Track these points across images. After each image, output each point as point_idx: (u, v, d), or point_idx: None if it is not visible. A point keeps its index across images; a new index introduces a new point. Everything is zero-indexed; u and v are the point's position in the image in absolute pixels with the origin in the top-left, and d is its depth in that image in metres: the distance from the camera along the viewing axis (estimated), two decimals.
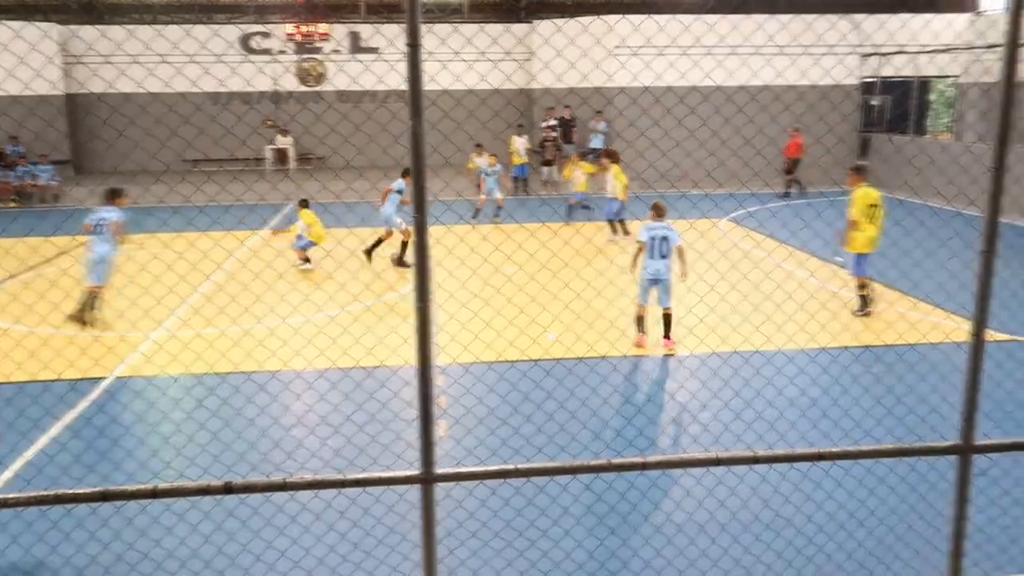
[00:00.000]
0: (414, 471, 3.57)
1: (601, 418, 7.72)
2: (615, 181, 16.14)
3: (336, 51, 27.21)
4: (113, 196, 11.32)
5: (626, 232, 16.55)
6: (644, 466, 3.71)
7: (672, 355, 9.97)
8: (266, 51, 27.01)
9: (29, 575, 5.59)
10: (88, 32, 25.49)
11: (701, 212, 18.55)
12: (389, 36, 26.34)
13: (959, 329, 10.58)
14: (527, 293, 10.12)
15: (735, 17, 24.74)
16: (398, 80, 3.30)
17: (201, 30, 26.20)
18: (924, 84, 27.33)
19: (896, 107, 26.97)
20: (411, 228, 3.29)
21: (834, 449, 3.86)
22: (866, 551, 5.74)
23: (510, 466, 3.68)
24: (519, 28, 27.49)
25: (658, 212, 10.32)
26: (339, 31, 27.25)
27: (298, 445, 7.23)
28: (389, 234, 14.23)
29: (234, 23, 26.67)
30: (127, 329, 10.72)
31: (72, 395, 8.54)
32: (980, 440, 3.78)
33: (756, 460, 3.81)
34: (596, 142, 24.89)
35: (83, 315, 10.84)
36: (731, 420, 7.73)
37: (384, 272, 13.32)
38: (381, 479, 3.69)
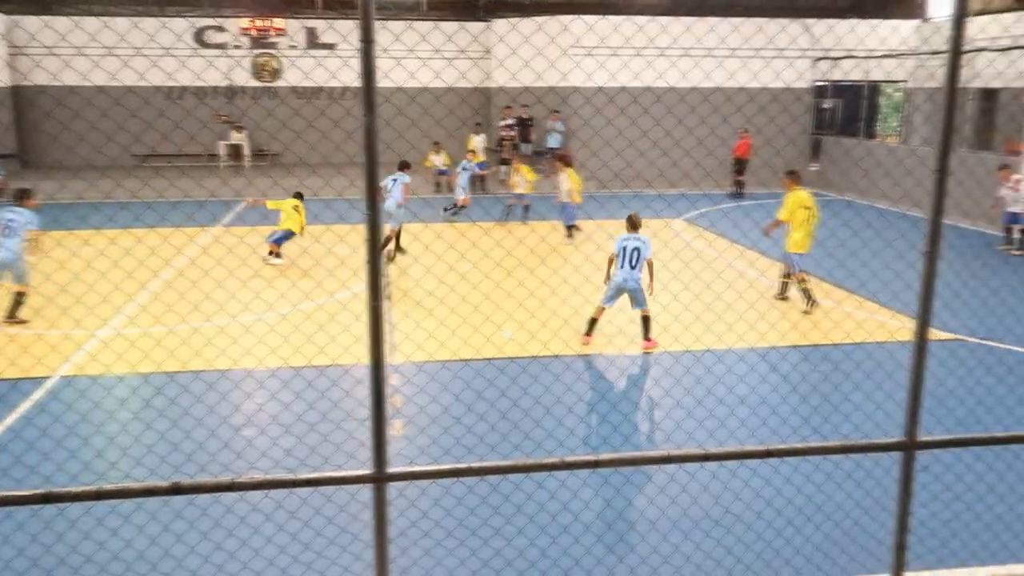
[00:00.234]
0: (366, 470, 3.54)
1: (554, 416, 7.74)
2: (569, 184, 16.18)
3: (292, 47, 26.89)
4: (22, 196, 11.01)
5: (578, 229, 16.65)
6: (597, 464, 3.73)
7: (651, 353, 10.07)
8: (220, 45, 26.58)
9: None
10: (32, 22, 24.82)
11: (654, 212, 18.73)
12: (343, 32, 26.10)
13: (904, 328, 10.84)
14: (481, 291, 10.11)
15: (688, 19, 25.02)
16: (356, 76, 3.28)
17: (155, 23, 25.68)
18: (874, 88, 27.97)
19: (847, 110, 27.58)
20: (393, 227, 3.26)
21: (783, 446, 3.92)
22: (813, 546, 5.85)
23: (463, 465, 3.67)
24: (476, 26, 27.46)
25: (632, 224, 10.39)
26: (296, 26, 26.93)
27: (248, 445, 7.12)
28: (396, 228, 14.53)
29: (185, 16, 26.18)
30: (72, 327, 10.47)
31: (13, 395, 8.31)
32: (923, 437, 3.87)
33: (707, 457, 3.85)
34: (553, 141, 24.98)
35: (15, 314, 10.62)
36: (683, 418, 7.82)
37: (336, 270, 13.20)
38: (333, 479, 3.65)
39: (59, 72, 23.35)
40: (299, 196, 14.13)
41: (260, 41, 26.90)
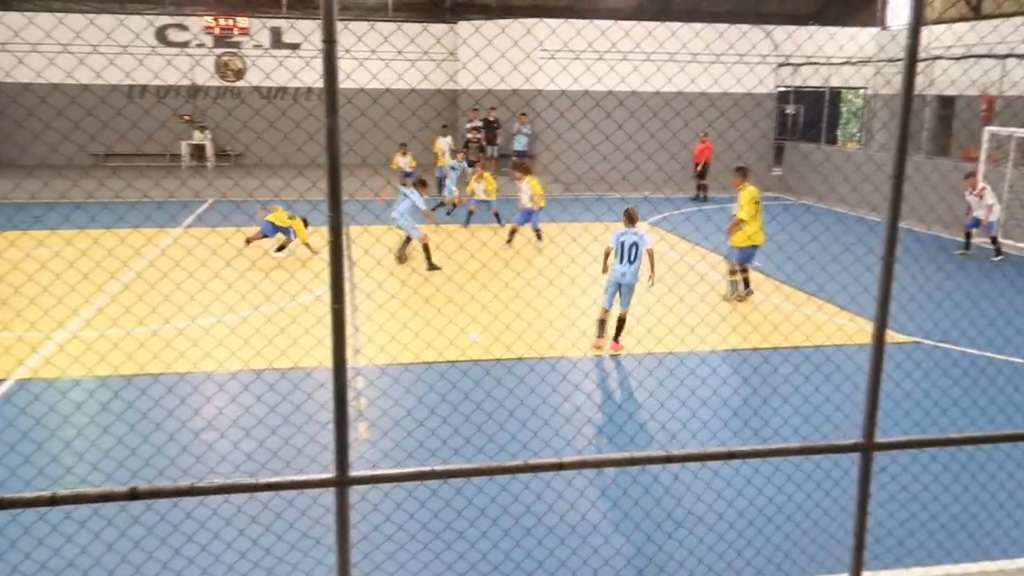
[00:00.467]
0: (328, 474, 3.50)
1: (518, 419, 7.74)
2: (531, 191, 16.18)
3: (257, 46, 26.60)
4: None
5: (540, 238, 16.64)
6: (560, 466, 3.73)
7: (618, 355, 10.12)
8: (183, 44, 26.20)
9: None
10: None
11: (617, 215, 18.85)
12: (305, 32, 25.89)
13: (862, 331, 11.02)
14: (445, 294, 10.08)
15: (651, 23, 25.21)
16: (319, 77, 3.26)
17: (114, 20, 25.23)
18: (835, 95, 28.43)
19: (808, 116, 28.00)
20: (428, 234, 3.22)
21: (744, 448, 3.96)
22: (774, 546, 5.91)
23: (427, 468, 3.65)
24: (439, 28, 27.41)
25: (630, 218, 10.36)
26: (260, 26, 26.65)
27: (208, 449, 7.02)
28: (424, 240, 14.36)
29: (145, 14, 25.77)
30: (26, 329, 10.24)
31: None
32: (881, 438, 3.93)
33: (670, 459, 3.87)
34: (519, 144, 25.02)
35: None
36: (646, 420, 7.86)
37: (298, 272, 13.08)
38: (294, 483, 3.61)
39: (12, 69, 22.85)
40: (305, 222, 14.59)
41: (223, 40, 26.58)
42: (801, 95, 27.71)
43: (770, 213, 19.25)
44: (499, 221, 18.39)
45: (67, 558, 5.45)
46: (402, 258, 14.72)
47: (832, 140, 28.74)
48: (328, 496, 3.73)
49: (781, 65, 26.75)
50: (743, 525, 6.15)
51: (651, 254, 10.14)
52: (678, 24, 25.57)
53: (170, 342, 9.72)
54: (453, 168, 19.53)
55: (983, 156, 17.75)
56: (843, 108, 30.50)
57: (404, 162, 22.29)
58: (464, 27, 26.67)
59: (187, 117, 25.76)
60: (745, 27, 26.24)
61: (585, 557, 5.73)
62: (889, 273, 3.76)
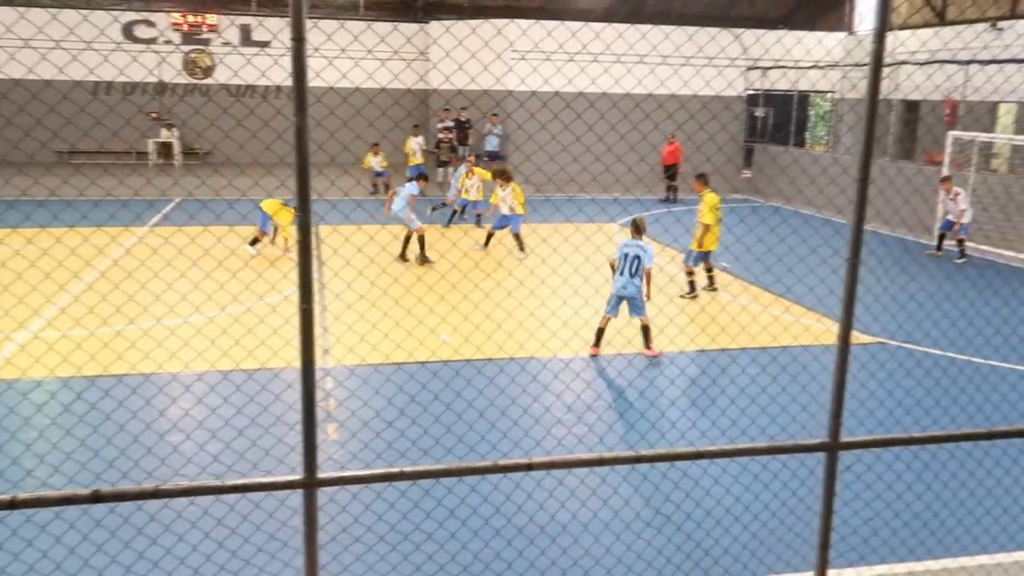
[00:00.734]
0: (296, 476, 3.47)
1: (487, 420, 7.73)
2: (514, 200, 16.13)
3: (226, 43, 26.32)
4: None
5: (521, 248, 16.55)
6: (529, 467, 3.73)
7: (657, 358, 10.05)
8: (150, 40, 25.85)
9: None
10: None
11: (587, 216, 18.90)
12: (274, 29, 25.67)
13: (828, 332, 11.15)
14: (414, 294, 10.04)
15: (621, 25, 25.32)
16: (288, 75, 3.21)
17: (79, 16, 24.83)
18: (803, 98, 28.77)
19: (777, 119, 28.29)
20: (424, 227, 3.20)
21: (712, 448, 3.98)
22: (741, 545, 5.96)
23: (396, 469, 3.63)
24: (410, 28, 27.32)
25: (636, 229, 10.26)
26: (229, 23, 26.37)
27: (173, 451, 6.93)
28: (420, 231, 14.71)
29: (111, 10, 25.38)
30: None
31: None
32: (846, 438, 3.97)
33: (639, 459, 3.88)
34: (490, 145, 25.00)
35: None
36: (616, 421, 7.89)
37: (266, 272, 12.96)
38: (262, 484, 3.57)
39: (34, 65, 22.40)
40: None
41: (191, 37, 26.28)
42: (770, 98, 27.99)
43: (739, 215, 19.45)
44: (478, 223, 18.38)
45: (27, 562, 5.34)
46: (404, 257, 14.92)
47: (800, 143, 29.09)
48: (296, 498, 3.69)
49: (750, 68, 27.01)
50: (711, 524, 6.19)
51: (649, 275, 9.95)
52: (648, 26, 25.72)
53: (134, 343, 9.59)
54: (460, 173, 19.73)
55: (947, 160, 18.06)
56: (811, 111, 30.88)
57: (375, 162, 22.20)
58: (435, 27, 26.61)
59: (154, 114, 25.43)
60: (715, 30, 26.48)
61: (554, 558, 5.73)
62: (854, 275, 3.81)
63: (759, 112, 28.57)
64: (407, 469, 3.65)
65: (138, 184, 20.93)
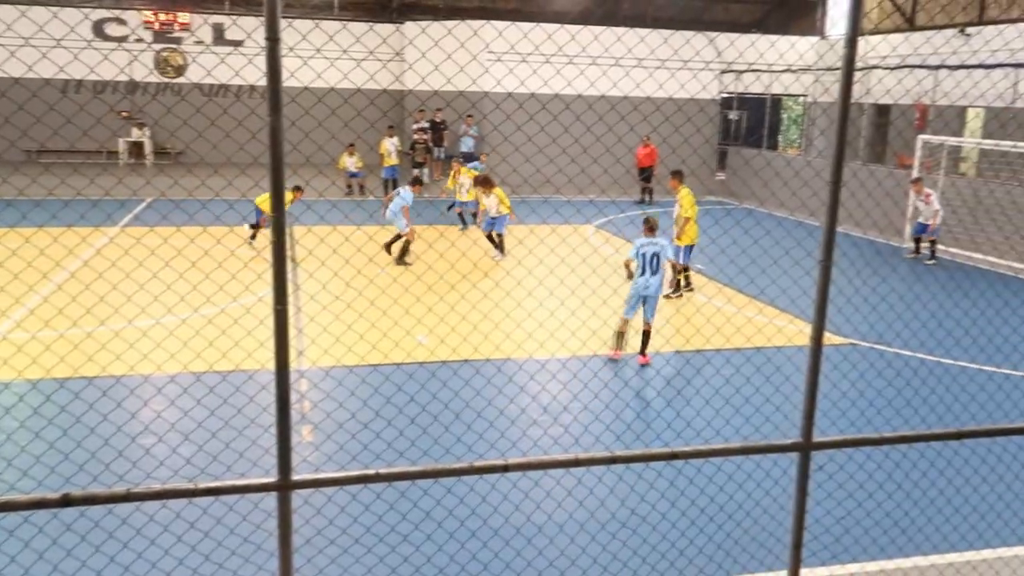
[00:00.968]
0: (270, 478, 3.45)
1: (463, 422, 7.72)
2: (499, 205, 16.11)
3: (198, 42, 26.08)
4: None
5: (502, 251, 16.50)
6: (505, 468, 3.73)
7: (647, 365, 10.02)
8: (121, 39, 25.55)
9: None
10: None
11: (563, 218, 18.95)
12: (248, 29, 25.48)
13: (801, 333, 11.26)
14: (390, 295, 10.01)
15: (597, 28, 25.42)
16: (262, 75, 3.17)
17: (48, 13, 24.49)
18: (776, 102, 29.03)
19: (751, 122, 28.53)
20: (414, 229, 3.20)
21: (686, 448, 4.00)
22: (715, 544, 6.00)
23: (371, 471, 3.61)
24: (385, 28, 27.24)
25: (650, 228, 10.23)
26: (201, 22, 26.13)
27: (145, 454, 6.86)
28: (410, 234, 15.11)
29: (82, 7, 25.06)
30: None
31: None
32: (818, 438, 4.01)
33: (614, 460, 3.90)
34: (466, 146, 24.98)
35: None
36: (591, 422, 7.91)
37: (240, 273, 12.84)
38: (235, 487, 3.54)
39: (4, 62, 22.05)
40: (297, 189, 15.02)
41: (163, 35, 26.01)
42: (743, 101, 28.23)
43: (713, 217, 19.59)
44: (463, 224, 18.34)
45: None
46: (389, 251, 15.24)
47: (773, 146, 29.36)
48: (270, 500, 3.67)
49: (724, 72, 27.22)
50: (685, 524, 6.23)
51: (673, 265, 9.94)
52: (624, 29, 25.85)
53: (105, 344, 9.47)
54: (476, 168, 19.78)
55: (916, 164, 18.31)
56: (784, 115, 31.17)
57: (351, 162, 22.10)
58: (410, 27, 26.56)
59: (125, 113, 25.16)
60: (689, 34, 26.65)
61: (530, 559, 5.74)
62: (827, 276, 3.85)
63: (733, 115, 28.81)
64: (382, 471, 3.64)
65: (109, 184, 20.67)
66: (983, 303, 12.77)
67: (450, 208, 18.98)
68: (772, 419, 8.14)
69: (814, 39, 29.48)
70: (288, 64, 3.21)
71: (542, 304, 10.45)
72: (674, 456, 3.98)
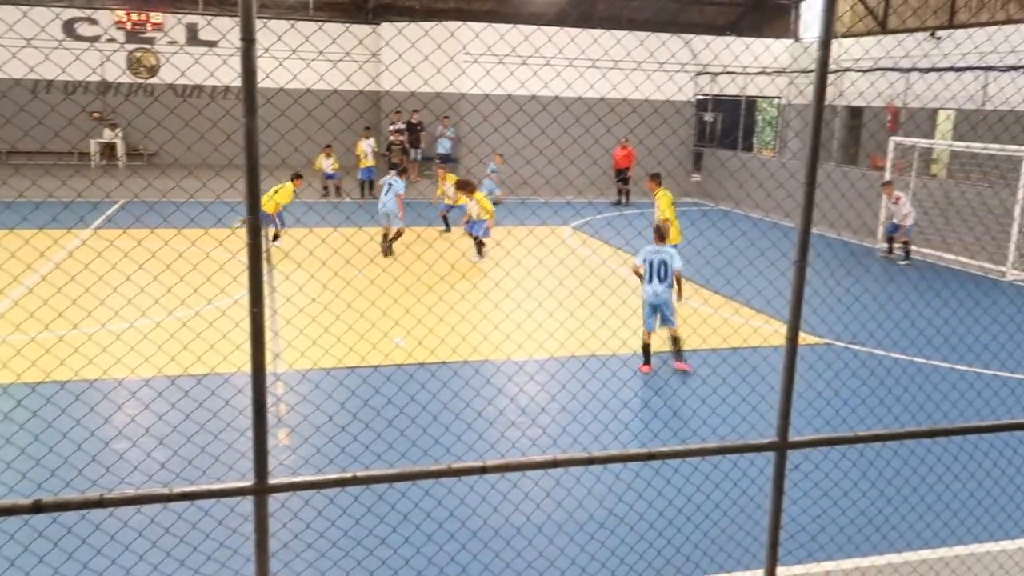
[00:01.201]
0: (247, 482, 3.42)
1: (441, 423, 7.71)
2: (480, 208, 16.10)
3: (172, 42, 25.83)
4: None
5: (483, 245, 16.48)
6: (483, 470, 3.73)
7: (687, 372, 9.96)
8: (93, 39, 25.25)
9: None
10: None
11: (540, 219, 18.97)
12: (223, 29, 25.28)
13: (776, 333, 11.34)
14: (367, 298, 9.97)
15: (573, 30, 25.49)
16: (237, 76, 3.15)
17: (16, 12, 24.15)
18: (751, 103, 29.24)
19: (726, 124, 28.72)
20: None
21: (664, 448, 4.02)
22: (693, 544, 6.03)
23: (348, 474, 3.59)
24: (362, 29, 27.14)
25: (659, 235, 10.15)
26: (175, 22, 25.89)
27: (119, 458, 6.78)
28: (401, 230, 15.83)
29: (52, 6, 24.74)
30: None
31: None
32: (794, 437, 4.04)
33: (592, 461, 3.90)
34: (443, 147, 24.94)
35: None
36: (568, 423, 7.92)
37: (215, 275, 12.72)
38: (211, 491, 3.51)
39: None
40: (296, 177, 16.02)
41: (136, 35, 25.74)
42: (719, 103, 28.41)
43: (689, 218, 19.68)
44: (447, 226, 18.32)
45: None
46: (387, 251, 15.76)
47: (748, 147, 29.57)
48: (246, 505, 3.64)
49: (699, 74, 27.39)
50: (663, 524, 6.25)
51: (679, 276, 9.80)
52: (600, 31, 25.93)
53: (78, 348, 9.35)
54: (495, 171, 19.77)
55: (889, 165, 18.52)
56: (758, 116, 31.41)
57: (327, 164, 21.99)
58: (387, 28, 26.49)
59: (96, 114, 24.87)
60: (665, 36, 26.79)
61: (509, 560, 5.74)
62: (802, 277, 3.88)
63: (708, 117, 28.99)
64: (360, 474, 3.62)
65: (81, 186, 20.42)
66: (955, 303, 12.94)
67: (449, 211, 19.02)
68: (748, 419, 8.20)
69: (788, 42, 29.73)
70: (263, 65, 3.19)
71: (520, 306, 10.46)
72: (651, 456, 3.99)
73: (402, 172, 16.46)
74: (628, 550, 5.92)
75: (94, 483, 6.35)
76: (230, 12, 25.96)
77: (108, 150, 25.07)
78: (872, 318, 11.94)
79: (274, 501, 3.70)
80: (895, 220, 16.98)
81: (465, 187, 16.17)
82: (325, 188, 22.39)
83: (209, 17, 26.16)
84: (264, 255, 3.25)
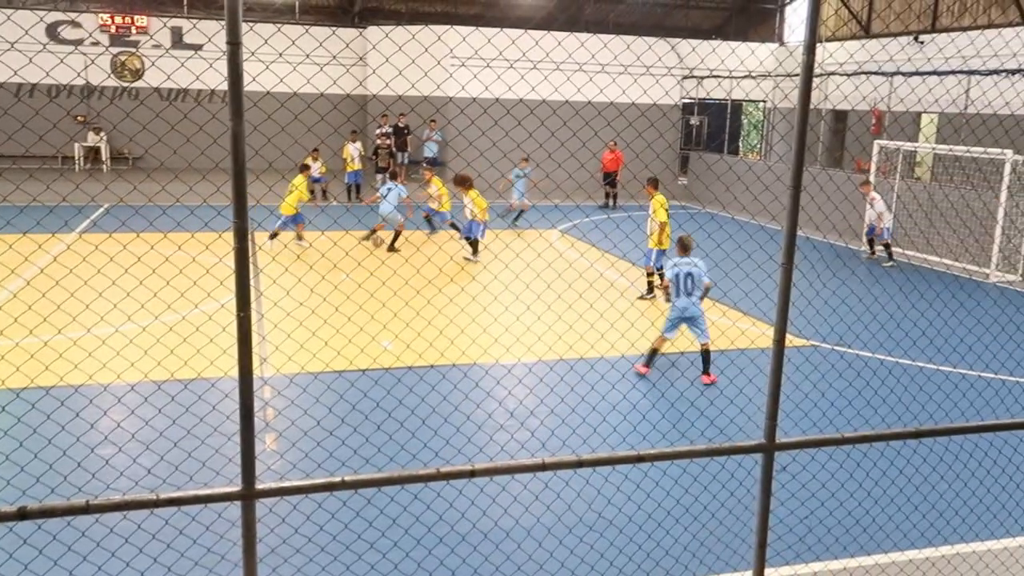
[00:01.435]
0: (234, 487, 3.41)
1: (430, 427, 7.70)
2: (474, 206, 16.08)
3: (157, 46, 25.70)
4: None
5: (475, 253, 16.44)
6: (472, 474, 3.73)
7: (713, 384, 9.85)
8: (77, 42, 25.09)
9: None
10: None
11: (529, 223, 18.98)
12: (208, 32, 25.18)
13: (763, 335, 11.39)
14: (355, 301, 9.94)
15: (560, 34, 25.54)
16: (223, 79, 3.13)
17: (2, 16, 24.00)
18: (737, 107, 29.38)
19: (712, 128, 28.85)
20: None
21: (652, 451, 4.03)
22: (681, 546, 6.04)
23: (337, 478, 3.58)
24: (348, 32, 27.10)
25: (684, 248, 10.10)
26: (160, 25, 25.77)
27: (105, 464, 6.73)
28: (400, 227, 16.36)
29: (36, 10, 24.59)
30: None
31: None
32: (781, 439, 4.06)
33: (580, 464, 3.91)
34: (430, 151, 24.93)
35: None
36: (557, 426, 7.93)
37: (202, 280, 12.66)
38: (198, 497, 3.49)
39: None
40: (304, 168, 16.28)
41: (120, 38, 25.61)
42: (705, 107, 28.52)
43: (677, 221, 19.73)
44: (431, 228, 18.27)
45: None
46: (376, 241, 16.39)
47: (734, 151, 29.69)
48: (234, 510, 3.62)
49: (686, 78, 27.49)
50: (651, 527, 6.26)
51: (707, 289, 9.77)
52: (587, 35, 25.99)
53: (63, 353, 9.28)
54: (518, 176, 19.77)
55: (873, 168, 18.64)
56: (744, 120, 31.55)
57: (314, 168, 21.93)
58: (373, 32, 26.45)
59: (81, 118, 24.72)
60: (651, 40, 26.87)
61: (497, 564, 5.73)
62: (788, 279, 3.90)
63: (694, 120, 29.10)
64: (348, 478, 3.61)
65: (65, 190, 20.29)
66: (939, 304, 13.03)
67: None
68: (736, 421, 8.22)
69: (773, 46, 29.89)
70: (250, 68, 3.19)
71: (508, 309, 10.46)
72: (640, 459, 4.00)
73: (394, 176, 16.68)
74: (617, 552, 5.92)
75: (80, 489, 6.31)
76: (216, 15, 25.87)
77: (92, 154, 24.93)
78: (858, 320, 12.00)
79: (262, 506, 3.68)
80: (870, 220, 17.12)
81: (462, 183, 16.17)
82: (312, 191, 22.33)
83: (195, 20, 26.05)
84: (300, 252, 3.24)
